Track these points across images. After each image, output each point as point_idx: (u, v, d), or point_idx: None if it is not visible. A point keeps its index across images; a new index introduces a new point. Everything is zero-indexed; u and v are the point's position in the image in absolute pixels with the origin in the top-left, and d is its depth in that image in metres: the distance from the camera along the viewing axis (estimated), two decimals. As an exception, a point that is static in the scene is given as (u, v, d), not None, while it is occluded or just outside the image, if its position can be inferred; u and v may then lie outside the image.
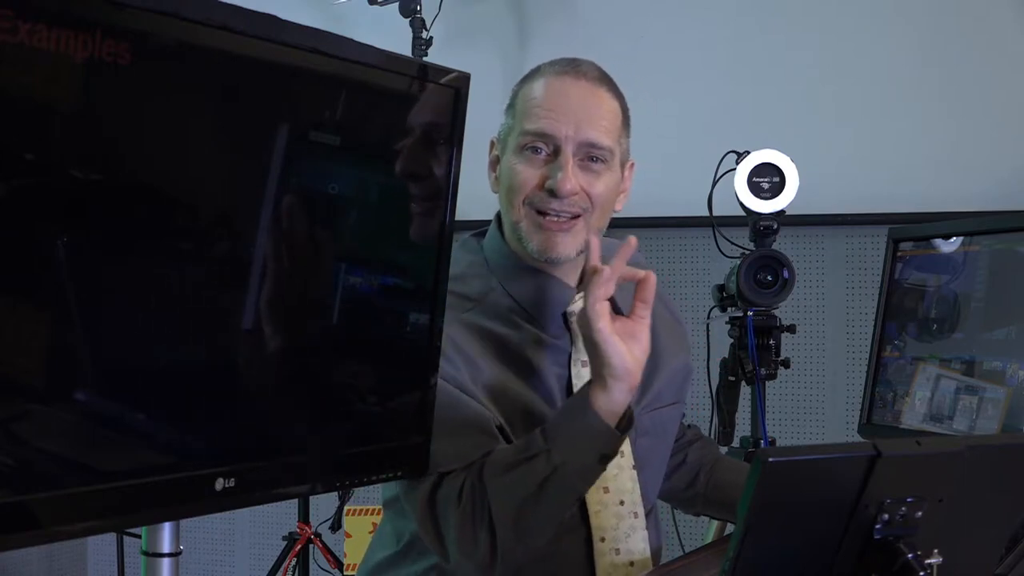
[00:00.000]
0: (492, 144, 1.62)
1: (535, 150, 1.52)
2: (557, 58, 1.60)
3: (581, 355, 1.58)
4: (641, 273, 1.44)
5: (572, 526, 1.53)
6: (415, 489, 1.47)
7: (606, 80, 1.58)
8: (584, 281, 1.41)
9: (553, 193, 1.50)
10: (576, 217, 1.53)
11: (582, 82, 1.55)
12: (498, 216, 1.63)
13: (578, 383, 1.56)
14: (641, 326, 1.43)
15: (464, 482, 1.44)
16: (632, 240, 1.44)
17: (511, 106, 1.59)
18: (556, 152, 1.52)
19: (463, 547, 1.44)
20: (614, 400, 1.41)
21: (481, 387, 1.51)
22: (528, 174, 1.52)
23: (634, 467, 1.57)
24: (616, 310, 1.61)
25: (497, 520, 1.41)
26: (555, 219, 1.52)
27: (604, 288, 1.39)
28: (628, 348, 1.41)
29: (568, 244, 1.53)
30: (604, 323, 1.39)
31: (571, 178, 1.50)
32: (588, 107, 1.53)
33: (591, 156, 1.53)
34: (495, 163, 1.61)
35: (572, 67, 1.56)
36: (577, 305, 1.59)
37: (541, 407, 1.54)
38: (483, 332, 1.54)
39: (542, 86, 1.55)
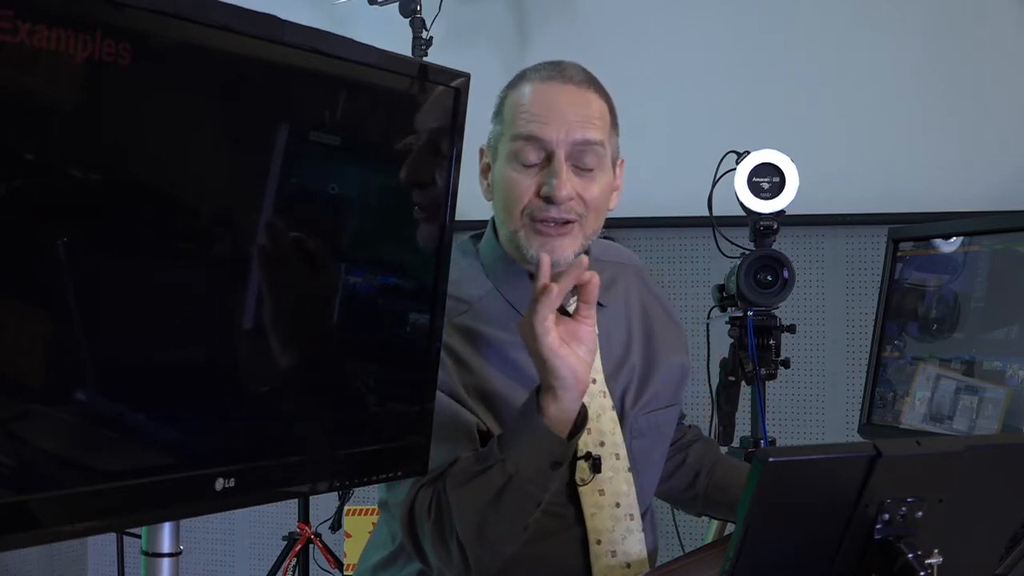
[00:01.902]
0: (482, 152, 1.61)
1: (527, 158, 1.52)
2: (542, 62, 1.59)
3: None
4: (586, 276, 1.40)
5: (568, 528, 1.53)
6: (398, 499, 1.49)
7: (592, 81, 1.57)
8: (533, 297, 1.39)
9: (550, 200, 1.50)
10: (570, 223, 1.53)
11: (569, 87, 1.54)
12: (493, 220, 1.63)
13: None
14: (586, 327, 1.42)
15: (433, 495, 1.45)
16: (584, 260, 1.41)
17: (498, 113, 1.58)
18: (549, 158, 1.51)
19: (439, 558, 1.45)
20: (565, 409, 1.40)
21: (473, 391, 1.51)
22: (524, 184, 1.52)
23: (630, 469, 1.58)
24: (599, 303, 1.61)
25: (461, 531, 1.42)
26: (551, 225, 1.52)
27: (551, 306, 1.38)
28: (574, 352, 1.39)
29: (565, 248, 1.53)
30: (551, 337, 1.37)
31: (566, 184, 1.50)
32: (577, 110, 1.53)
33: (584, 157, 1.52)
34: (486, 171, 1.60)
35: (557, 71, 1.56)
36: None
37: None
38: (476, 336, 1.54)
39: (528, 92, 1.54)
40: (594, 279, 1.40)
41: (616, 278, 1.69)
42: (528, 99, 1.54)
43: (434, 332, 1.17)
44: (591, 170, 1.53)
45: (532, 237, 1.53)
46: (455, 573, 1.45)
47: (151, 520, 0.96)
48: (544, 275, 1.39)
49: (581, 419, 1.43)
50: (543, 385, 1.41)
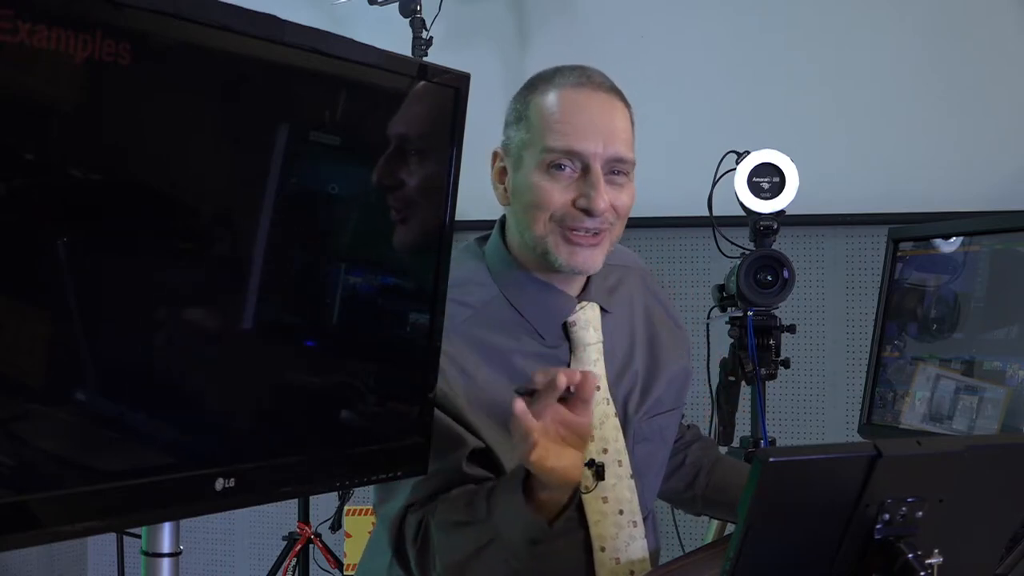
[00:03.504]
0: (496, 156, 1.59)
1: (560, 167, 1.51)
2: (562, 66, 1.57)
3: (580, 365, 1.57)
4: (576, 377, 1.31)
5: (572, 534, 1.52)
6: (388, 514, 1.50)
7: (616, 90, 1.57)
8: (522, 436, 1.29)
9: (587, 212, 1.50)
10: (601, 232, 1.53)
11: (600, 94, 1.54)
12: (501, 223, 1.62)
13: None
14: (584, 419, 1.33)
15: (420, 523, 1.47)
16: (561, 381, 1.29)
17: (523, 118, 1.55)
18: (585, 170, 1.51)
19: None
20: (554, 498, 1.36)
21: (475, 401, 1.50)
22: (556, 192, 1.51)
23: (632, 476, 1.57)
24: (603, 310, 1.61)
25: (442, 569, 1.44)
26: (583, 234, 1.52)
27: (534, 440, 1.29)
28: (567, 457, 1.32)
29: (597, 258, 1.54)
30: (537, 452, 1.28)
31: (604, 196, 1.50)
32: (609, 121, 1.53)
33: (616, 170, 1.53)
34: (502, 175, 1.58)
35: (585, 77, 1.55)
36: (578, 316, 1.58)
37: None
38: (481, 343, 1.53)
39: (558, 100, 1.52)
40: (588, 379, 1.31)
41: (620, 282, 1.69)
42: (559, 108, 1.52)
43: (434, 332, 1.17)
44: (622, 181, 1.54)
45: (561, 245, 1.52)
46: None
47: (151, 520, 0.96)
48: (525, 418, 1.28)
49: (569, 499, 1.37)
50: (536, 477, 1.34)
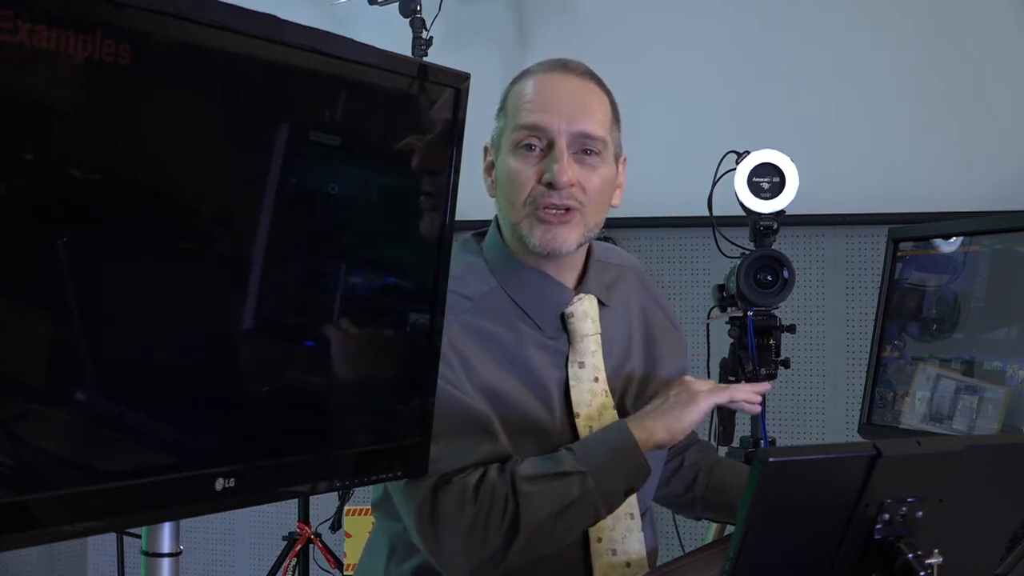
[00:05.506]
0: (486, 150, 1.62)
1: (529, 147, 1.54)
2: (545, 60, 1.61)
3: (578, 356, 1.58)
4: (755, 404, 1.63)
5: None
6: (415, 486, 1.46)
7: (594, 76, 1.60)
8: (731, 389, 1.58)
9: (551, 185, 1.52)
10: (571, 210, 1.54)
11: (571, 77, 1.58)
12: (496, 218, 1.63)
13: (575, 384, 1.56)
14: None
15: (482, 480, 1.44)
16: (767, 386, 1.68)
17: (502, 109, 1.60)
18: (550, 146, 1.53)
19: (470, 545, 1.43)
20: (649, 443, 1.48)
21: (477, 389, 1.50)
22: (526, 172, 1.53)
23: None
24: (600, 303, 1.62)
25: (523, 524, 1.42)
26: (552, 212, 1.53)
27: (748, 401, 1.59)
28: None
29: (568, 236, 1.54)
30: (714, 400, 1.54)
31: (567, 169, 1.52)
32: (578, 100, 1.55)
33: (585, 148, 1.54)
34: (490, 168, 1.61)
35: (560, 65, 1.59)
36: (576, 307, 1.59)
37: (537, 409, 1.54)
38: (481, 333, 1.54)
39: (531, 84, 1.57)
40: (756, 407, 1.64)
41: (618, 279, 1.70)
42: (530, 90, 1.56)
43: (434, 332, 1.17)
44: (592, 161, 1.54)
45: (535, 226, 1.54)
46: (479, 562, 1.43)
47: (151, 520, 0.96)
48: (754, 396, 1.62)
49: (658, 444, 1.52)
50: (642, 416, 1.51)
